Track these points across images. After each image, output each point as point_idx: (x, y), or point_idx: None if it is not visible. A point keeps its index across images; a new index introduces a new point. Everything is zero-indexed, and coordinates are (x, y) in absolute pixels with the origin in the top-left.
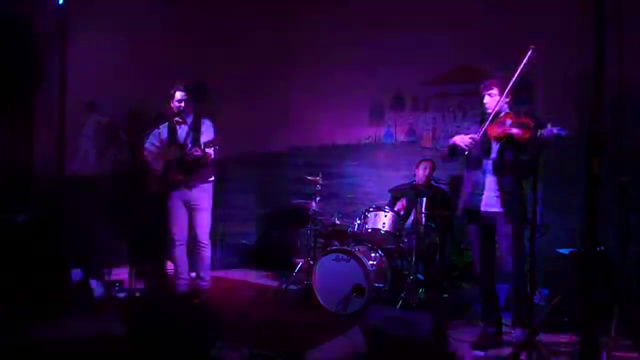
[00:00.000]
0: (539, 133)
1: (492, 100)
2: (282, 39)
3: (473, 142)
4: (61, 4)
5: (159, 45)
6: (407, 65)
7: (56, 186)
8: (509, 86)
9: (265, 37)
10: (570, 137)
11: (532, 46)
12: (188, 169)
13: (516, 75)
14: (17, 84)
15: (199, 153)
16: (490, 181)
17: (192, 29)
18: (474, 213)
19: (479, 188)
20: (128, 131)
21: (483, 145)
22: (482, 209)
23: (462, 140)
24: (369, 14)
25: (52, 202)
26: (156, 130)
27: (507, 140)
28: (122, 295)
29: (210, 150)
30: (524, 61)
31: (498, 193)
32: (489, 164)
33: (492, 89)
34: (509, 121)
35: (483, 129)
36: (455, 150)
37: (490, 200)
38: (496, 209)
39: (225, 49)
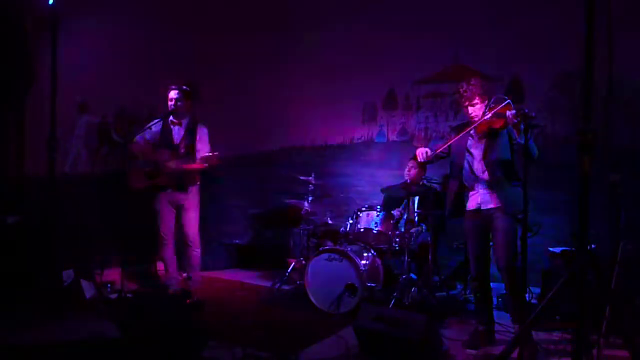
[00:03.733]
0: (508, 115)
1: (476, 109)
2: (275, 39)
3: (426, 156)
4: (52, 4)
5: (152, 45)
6: (400, 64)
7: (48, 187)
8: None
9: (258, 37)
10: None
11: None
12: (178, 175)
13: (491, 114)
14: (8, 85)
15: (195, 166)
16: (481, 179)
17: (185, 30)
18: (470, 212)
19: (472, 188)
20: (120, 132)
21: (460, 148)
22: (477, 207)
23: (420, 153)
24: (362, 14)
25: (44, 202)
26: (148, 126)
27: (490, 135)
28: (113, 296)
29: (204, 162)
30: (499, 108)
31: (492, 190)
32: (476, 164)
33: (474, 99)
34: (488, 115)
35: (459, 136)
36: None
37: (485, 197)
38: (493, 205)
39: (219, 49)
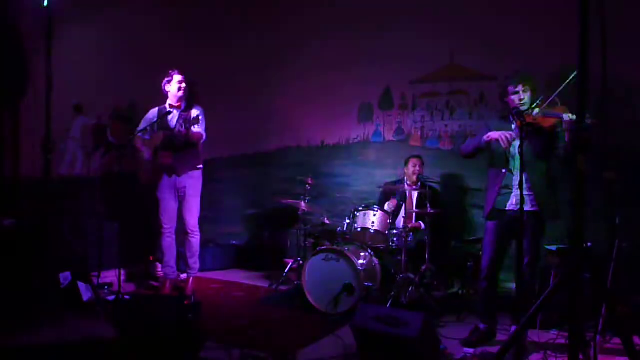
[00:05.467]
0: (564, 119)
1: (527, 97)
2: (271, 40)
3: (511, 139)
4: (46, 6)
5: (146, 46)
6: (396, 64)
7: (43, 189)
8: (550, 99)
9: (253, 37)
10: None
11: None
12: (176, 150)
13: (556, 93)
14: (2, 86)
15: (182, 130)
16: (518, 179)
17: (180, 30)
18: (498, 212)
19: (507, 187)
20: (115, 133)
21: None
22: (510, 207)
23: (501, 135)
24: (358, 14)
25: (40, 205)
26: (145, 118)
27: (534, 132)
28: (111, 298)
29: (199, 129)
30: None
31: (529, 192)
32: (516, 162)
33: (526, 85)
34: (537, 112)
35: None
36: (485, 146)
37: (520, 198)
38: (528, 207)
39: (214, 50)
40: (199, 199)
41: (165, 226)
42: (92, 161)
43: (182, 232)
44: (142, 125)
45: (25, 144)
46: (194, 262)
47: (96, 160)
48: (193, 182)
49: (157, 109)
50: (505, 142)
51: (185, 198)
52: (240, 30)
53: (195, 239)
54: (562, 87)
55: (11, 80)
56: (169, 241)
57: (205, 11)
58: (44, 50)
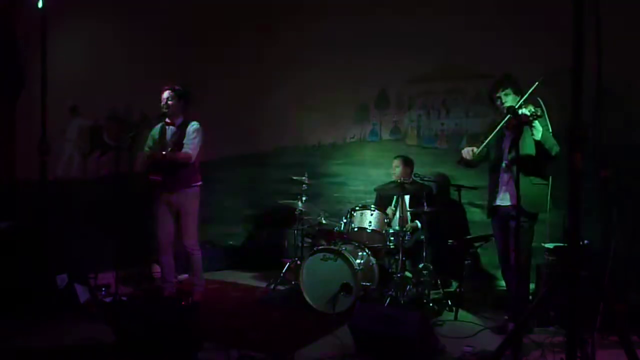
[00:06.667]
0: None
1: (509, 100)
2: (267, 40)
3: (471, 153)
4: (41, 8)
5: (144, 46)
6: (392, 63)
7: (40, 191)
8: (520, 99)
9: (250, 37)
10: (538, 115)
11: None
12: (164, 169)
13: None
14: None
15: (165, 153)
16: (507, 176)
17: (176, 30)
18: (493, 208)
19: (498, 184)
20: (112, 134)
21: (499, 145)
22: (498, 202)
23: (463, 153)
24: (354, 14)
25: (36, 207)
26: (150, 133)
27: (516, 129)
28: (108, 299)
29: (186, 150)
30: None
31: (513, 187)
32: (505, 161)
33: (507, 88)
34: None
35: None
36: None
37: (505, 194)
38: (512, 201)
39: (210, 50)
40: (195, 218)
41: (162, 242)
42: (88, 163)
43: (182, 250)
44: (148, 141)
45: (21, 146)
46: (198, 279)
47: (92, 161)
48: (188, 202)
49: (160, 125)
50: (468, 155)
51: (181, 217)
52: (237, 32)
53: (197, 256)
54: (527, 95)
55: (6, 82)
56: (166, 258)
57: (202, 13)
58: (39, 52)
